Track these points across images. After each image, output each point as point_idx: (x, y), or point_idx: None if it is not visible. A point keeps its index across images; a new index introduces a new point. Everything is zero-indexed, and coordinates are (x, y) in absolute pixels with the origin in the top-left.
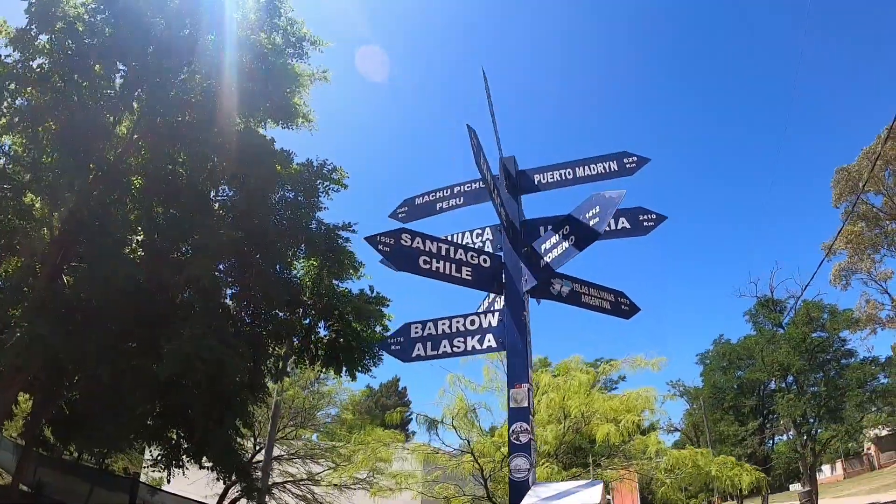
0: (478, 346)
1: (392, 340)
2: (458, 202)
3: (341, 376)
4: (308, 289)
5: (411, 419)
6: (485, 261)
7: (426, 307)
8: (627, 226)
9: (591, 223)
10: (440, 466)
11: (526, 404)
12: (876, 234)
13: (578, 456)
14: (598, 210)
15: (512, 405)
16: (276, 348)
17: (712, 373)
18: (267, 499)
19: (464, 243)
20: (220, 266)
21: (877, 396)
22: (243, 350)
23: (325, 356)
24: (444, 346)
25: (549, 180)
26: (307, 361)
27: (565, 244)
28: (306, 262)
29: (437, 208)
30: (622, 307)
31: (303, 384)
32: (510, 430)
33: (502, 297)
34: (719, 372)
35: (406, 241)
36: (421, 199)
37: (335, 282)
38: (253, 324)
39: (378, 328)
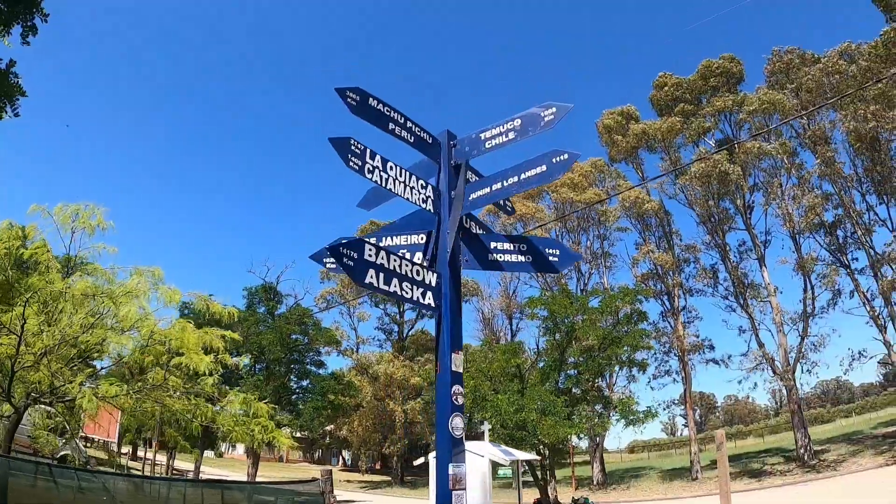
0: (420, 300)
1: (345, 252)
2: (407, 137)
3: None
4: None
5: None
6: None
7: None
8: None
9: (550, 259)
10: None
11: (462, 370)
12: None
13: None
14: (558, 253)
15: (453, 368)
16: None
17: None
18: None
19: (410, 184)
20: None
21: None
22: None
23: None
24: (395, 286)
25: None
26: None
27: (521, 258)
28: None
29: (388, 127)
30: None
31: None
32: (451, 392)
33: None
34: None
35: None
36: (375, 102)
37: None
38: None
39: None
